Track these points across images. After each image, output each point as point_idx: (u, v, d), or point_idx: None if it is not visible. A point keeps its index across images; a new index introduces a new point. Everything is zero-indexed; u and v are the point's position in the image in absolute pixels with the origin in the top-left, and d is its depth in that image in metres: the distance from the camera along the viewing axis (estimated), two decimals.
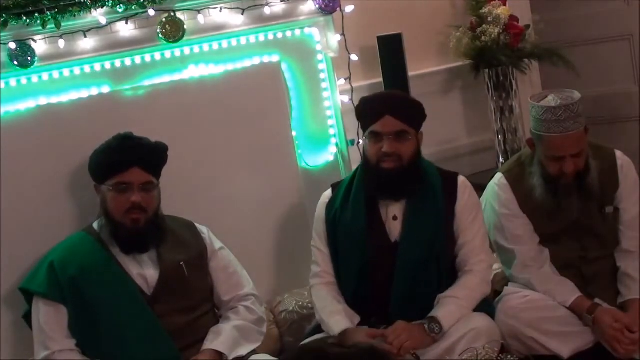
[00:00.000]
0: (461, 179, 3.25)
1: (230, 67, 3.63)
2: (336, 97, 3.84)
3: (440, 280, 3.13)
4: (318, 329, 3.20)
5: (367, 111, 3.16)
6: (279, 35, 3.73)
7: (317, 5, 3.73)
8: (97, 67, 3.45)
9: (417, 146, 3.14)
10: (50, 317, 2.99)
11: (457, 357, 2.96)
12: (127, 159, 3.02)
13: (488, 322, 3.08)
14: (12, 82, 3.33)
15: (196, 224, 3.25)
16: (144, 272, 3.07)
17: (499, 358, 2.91)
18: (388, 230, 3.14)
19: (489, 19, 4.25)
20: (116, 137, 3.09)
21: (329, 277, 3.22)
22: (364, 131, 3.17)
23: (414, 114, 3.15)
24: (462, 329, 3.01)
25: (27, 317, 3.08)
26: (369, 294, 3.12)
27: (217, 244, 3.25)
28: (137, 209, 3.02)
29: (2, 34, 3.24)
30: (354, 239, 3.12)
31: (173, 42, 3.51)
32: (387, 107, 3.10)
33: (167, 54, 3.55)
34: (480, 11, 4.30)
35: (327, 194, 3.29)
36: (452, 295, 3.08)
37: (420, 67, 4.37)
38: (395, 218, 3.13)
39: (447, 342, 3.00)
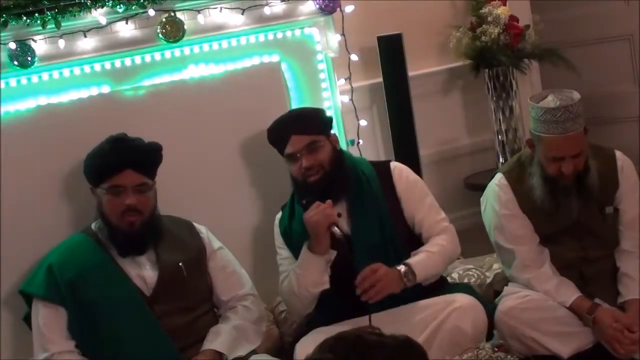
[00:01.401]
0: (394, 164, 3.35)
1: (230, 67, 3.64)
2: (336, 97, 3.84)
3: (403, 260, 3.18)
4: (309, 328, 3.21)
5: (274, 139, 3.28)
6: (279, 35, 3.73)
7: (317, 6, 3.74)
8: (97, 67, 3.45)
9: (332, 149, 3.23)
10: (49, 319, 2.99)
11: (457, 357, 2.97)
12: (120, 161, 3.01)
13: (471, 300, 3.12)
14: (12, 82, 3.34)
15: (195, 224, 3.25)
16: (143, 273, 3.06)
17: (499, 358, 2.91)
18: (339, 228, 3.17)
19: (489, 19, 4.25)
20: (108, 140, 3.08)
21: None
22: (283, 157, 3.26)
23: (315, 124, 3.24)
24: (445, 308, 3.07)
25: (27, 319, 3.08)
26: (339, 290, 3.13)
27: (216, 244, 3.25)
28: (132, 211, 3.01)
29: (2, 34, 3.24)
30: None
31: (173, 42, 3.51)
32: (289, 127, 3.22)
33: (167, 54, 3.55)
34: (480, 11, 4.30)
35: (278, 215, 3.39)
36: (424, 249, 3.18)
37: (420, 67, 4.38)
38: (339, 215, 3.19)
39: (434, 323, 3.05)
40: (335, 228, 3.07)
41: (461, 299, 3.11)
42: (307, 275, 3.13)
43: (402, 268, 3.08)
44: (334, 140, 3.27)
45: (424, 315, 3.10)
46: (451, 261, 3.35)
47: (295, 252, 3.22)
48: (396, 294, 3.07)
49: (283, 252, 3.30)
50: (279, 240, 3.33)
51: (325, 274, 3.13)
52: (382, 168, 3.32)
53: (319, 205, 3.09)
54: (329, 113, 3.53)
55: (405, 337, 1.76)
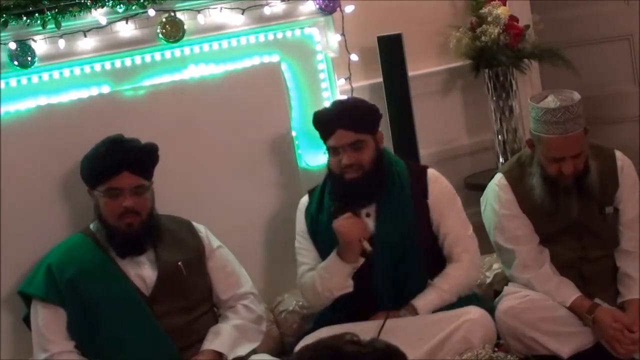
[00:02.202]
0: (430, 171, 3.31)
1: (230, 67, 3.63)
2: (336, 97, 3.84)
3: (423, 272, 3.20)
4: (316, 327, 3.21)
5: (320, 127, 3.21)
6: (279, 35, 3.73)
7: (317, 5, 3.74)
8: (97, 67, 3.45)
9: (376, 149, 3.18)
10: (48, 320, 2.99)
11: (457, 357, 2.97)
12: (116, 164, 3.00)
13: (482, 313, 3.12)
14: (12, 82, 3.33)
15: (194, 223, 3.25)
16: (142, 272, 3.06)
17: (499, 358, 2.91)
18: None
19: (489, 19, 4.24)
20: (104, 142, 3.07)
21: None
22: (324, 144, 3.21)
23: (365, 122, 3.17)
24: (456, 320, 3.06)
25: (27, 319, 3.08)
26: (355, 290, 3.15)
27: (215, 243, 3.24)
28: (130, 213, 3.00)
29: (2, 34, 3.24)
30: (332, 240, 3.14)
31: (173, 42, 3.51)
32: (338, 121, 3.14)
33: (167, 54, 3.55)
34: (480, 11, 4.30)
35: (304, 200, 3.35)
36: (438, 285, 3.18)
37: (420, 67, 4.37)
38: (368, 215, 3.19)
39: (443, 332, 3.04)
40: (366, 242, 3.05)
41: (473, 312, 3.10)
42: (332, 279, 3.12)
43: (405, 314, 3.10)
44: (379, 138, 3.21)
45: (434, 325, 3.09)
46: (464, 292, 3.27)
47: (320, 245, 3.21)
48: (399, 296, 3.13)
49: (305, 242, 3.27)
50: (301, 227, 3.30)
51: (350, 278, 3.11)
52: (418, 173, 3.28)
53: (350, 216, 3.08)
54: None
55: (385, 346, 1.71)
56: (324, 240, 3.20)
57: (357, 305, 3.16)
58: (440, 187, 3.28)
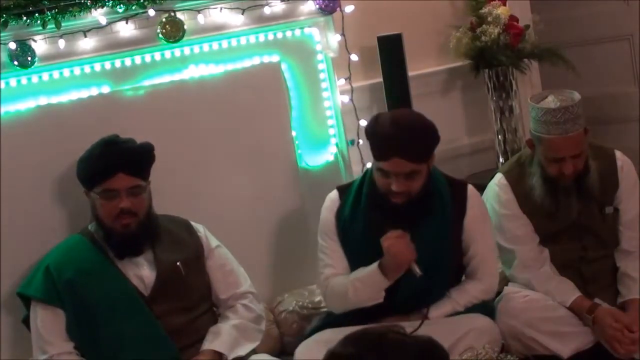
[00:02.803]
0: (470, 189, 3.20)
1: (230, 67, 3.63)
2: (336, 97, 3.84)
3: (446, 289, 3.17)
4: (318, 328, 3.20)
5: (375, 145, 3.03)
6: (279, 35, 3.72)
7: (317, 5, 3.73)
8: (97, 67, 3.44)
9: (427, 173, 3.05)
10: (48, 321, 2.99)
11: (458, 357, 2.97)
12: (111, 165, 2.99)
13: (489, 322, 3.10)
14: (12, 82, 3.33)
15: (192, 223, 3.24)
16: (141, 273, 3.06)
17: (499, 358, 2.91)
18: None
19: (489, 19, 4.25)
20: (99, 143, 3.05)
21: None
22: (373, 156, 3.05)
23: (424, 151, 3.00)
24: (463, 328, 3.03)
25: (26, 321, 3.07)
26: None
27: (214, 242, 3.24)
28: (126, 214, 2.99)
29: (2, 34, 3.24)
30: (363, 251, 3.09)
31: (173, 42, 3.51)
32: (397, 149, 2.93)
33: (167, 54, 3.54)
34: (480, 11, 4.30)
35: (334, 198, 3.21)
36: (455, 298, 3.15)
37: (420, 67, 4.37)
38: (404, 229, 3.06)
39: (449, 340, 2.99)
40: (415, 266, 2.96)
41: (480, 321, 3.08)
42: (367, 290, 3.04)
43: (414, 318, 3.06)
44: (431, 163, 3.06)
45: (440, 333, 3.04)
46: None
47: (349, 253, 3.13)
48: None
49: (332, 244, 3.16)
50: (329, 227, 3.17)
51: (383, 290, 3.04)
52: (458, 191, 3.17)
53: (401, 235, 2.96)
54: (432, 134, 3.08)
55: (428, 338, 1.75)
56: (356, 250, 3.12)
57: (370, 308, 3.10)
58: (478, 208, 3.19)
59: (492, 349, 2.90)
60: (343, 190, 3.22)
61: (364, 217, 3.11)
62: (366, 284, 3.04)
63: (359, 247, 3.11)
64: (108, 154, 3.01)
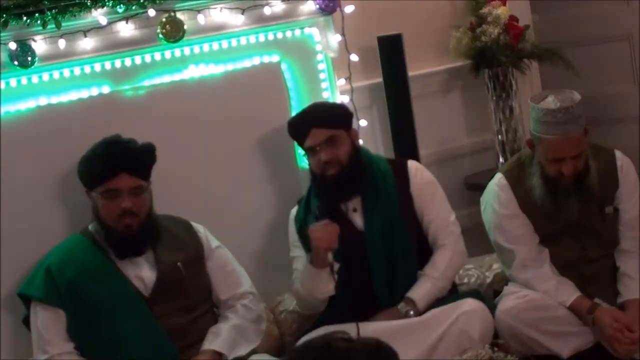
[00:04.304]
0: (411, 162, 3.41)
1: (230, 67, 3.63)
2: (336, 97, 3.84)
3: (414, 258, 3.27)
4: (316, 325, 3.24)
5: (295, 131, 3.33)
6: (279, 35, 3.73)
7: (317, 6, 3.73)
8: (97, 67, 3.44)
9: (352, 144, 3.28)
10: (48, 321, 2.99)
11: (457, 357, 2.97)
12: (114, 165, 2.99)
13: (477, 304, 3.16)
14: (12, 82, 3.33)
15: (192, 223, 3.25)
16: (141, 273, 3.06)
17: (498, 357, 2.91)
18: (352, 221, 3.26)
19: (489, 19, 4.24)
20: (101, 143, 3.06)
21: None
22: (302, 149, 3.34)
23: (336, 117, 3.30)
24: (452, 314, 3.09)
25: (26, 321, 3.08)
26: (352, 286, 3.22)
27: (214, 243, 3.24)
28: (128, 214, 3.00)
29: (2, 34, 3.24)
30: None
31: (173, 42, 3.51)
32: (310, 121, 3.26)
33: (167, 54, 3.54)
34: (480, 11, 4.30)
35: (294, 210, 3.41)
36: (429, 274, 3.25)
37: (420, 67, 4.37)
38: (355, 210, 3.26)
39: (441, 327, 3.07)
40: (331, 254, 3.09)
41: (469, 304, 3.14)
42: (311, 284, 3.18)
43: (405, 309, 3.18)
44: (354, 135, 3.32)
45: (431, 322, 3.13)
46: (456, 274, 3.41)
47: (308, 248, 3.24)
48: (397, 284, 3.21)
49: (297, 250, 3.33)
50: (293, 237, 3.36)
51: (330, 282, 3.15)
52: (399, 166, 3.38)
53: (327, 224, 3.13)
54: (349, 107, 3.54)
55: (375, 341, 1.73)
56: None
57: (357, 303, 3.20)
58: (421, 176, 3.37)
59: (491, 348, 2.91)
60: (300, 201, 3.42)
61: (312, 211, 3.27)
62: (308, 278, 3.18)
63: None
64: (111, 153, 3.01)
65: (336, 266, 3.11)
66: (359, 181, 3.25)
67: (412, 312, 3.17)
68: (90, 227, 3.12)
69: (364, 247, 3.23)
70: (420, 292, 3.21)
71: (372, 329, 3.03)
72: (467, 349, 2.96)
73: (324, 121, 3.25)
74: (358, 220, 3.27)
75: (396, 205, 3.27)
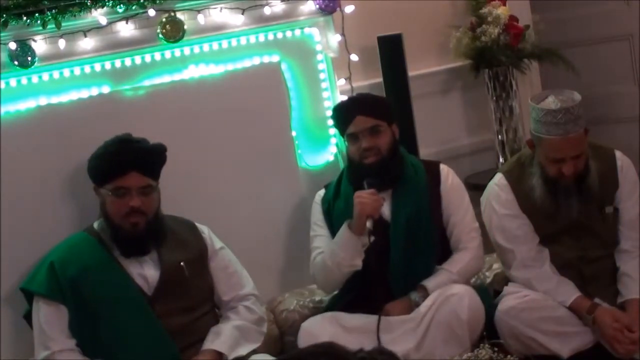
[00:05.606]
0: (443, 165, 3.47)
1: (230, 67, 3.64)
2: (336, 97, 3.84)
3: (434, 254, 3.32)
4: (325, 310, 3.32)
5: (339, 117, 3.39)
6: (279, 35, 3.73)
7: (317, 6, 3.74)
8: (97, 67, 3.45)
9: (393, 137, 3.35)
10: (50, 317, 2.99)
11: (457, 357, 2.98)
12: (125, 163, 3.00)
13: (467, 288, 3.21)
14: (12, 82, 3.33)
15: (196, 224, 3.25)
16: (145, 272, 3.07)
17: (499, 358, 2.91)
18: (380, 212, 3.27)
19: (489, 19, 4.25)
20: (114, 140, 3.07)
21: None
22: (343, 136, 3.39)
23: (381, 109, 3.37)
24: (442, 295, 3.15)
25: (28, 317, 3.08)
26: (370, 273, 3.24)
27: (218, 244, 3.25)
28: (136, 212, 3.00)
29: (2, 34, 3.24)
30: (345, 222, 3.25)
31: (173, 42, 3.51)
32: (356, 108, 3.33)
33: (167, 54, 3.55)
34: (480, 11, 4.30)
35: (321, 192, 3.49)
36: (447, 268, 3.31)
37: (420, 67, 4.37)
38: (383, 199, 3.28)
39: (432, 308, 3.14)
40: (370, 222, 3.14)
41: (457, 287, 3.20)
42: (341, 252, 3.21)
43: (416, 298, 3.23)
44: (395, 130, 3.37)
45: (424, 307, 3.19)
46: (472, 277, 3.45)
47: (335, 231, 3.29)
48: (412, 278, 3.27)
49: (319, 230, 3.39)
50: (317, 217, 3.42)
51: (359, 256, 3.20)
52: (432, 166, 3.45)
53: (374, 193, 3.19)
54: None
55: (328, 344, 1.71)
56: (339, 227, 3.26)
57: (370, 291, 3.25)
58: (452, 179, 3.44)
59: (491, 348, 2.90)
60: (327, 185, 3.50)
61: (344, 192, 3.34)
62: (340, 245, 3.22)
63: (342, 221, 3.25)
64: (122, 151, 3.02)
65: (372, 238, 3.15)
66: (395, 173, 3.32)
67: (422, 301, 3.21)
68: (95, 225, 3.13)
69: (387, 237, 3.28)
70: (434, 282, 3.26)
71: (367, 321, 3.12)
72: (467, 349, 2.96)
73: (370, 110, 3.31)
74: (386, 210, 3.31)
75: (425, 200, 3.32)
